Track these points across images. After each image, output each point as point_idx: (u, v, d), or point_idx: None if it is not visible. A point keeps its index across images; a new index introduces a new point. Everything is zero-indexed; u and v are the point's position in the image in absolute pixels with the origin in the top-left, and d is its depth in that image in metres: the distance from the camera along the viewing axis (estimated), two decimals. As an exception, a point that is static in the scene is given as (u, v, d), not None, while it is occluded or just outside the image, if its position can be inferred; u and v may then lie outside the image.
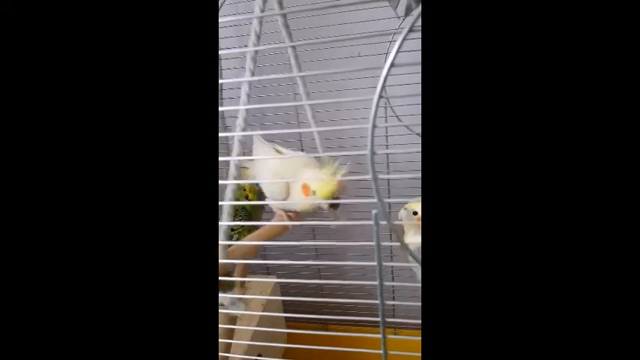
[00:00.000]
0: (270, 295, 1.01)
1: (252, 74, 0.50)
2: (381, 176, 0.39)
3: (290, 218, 0.72)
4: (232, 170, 0.56)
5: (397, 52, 0.35)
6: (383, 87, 0.36)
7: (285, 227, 0.72)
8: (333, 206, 0.64)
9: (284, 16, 0.66)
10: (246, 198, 0.84)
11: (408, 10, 0.38)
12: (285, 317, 1.08)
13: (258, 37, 0.52)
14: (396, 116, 0.98)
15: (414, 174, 0.38)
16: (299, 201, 0.66)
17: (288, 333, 0.58)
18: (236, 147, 0.56)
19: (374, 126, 0.38)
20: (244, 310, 0.66)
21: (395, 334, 1.11)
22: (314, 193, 0.63)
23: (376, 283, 0.44)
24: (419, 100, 0.34)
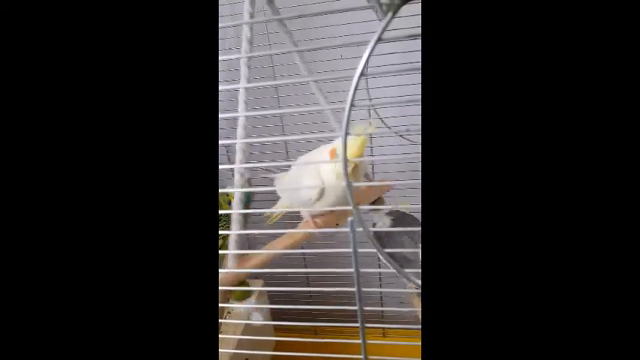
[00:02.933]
0: (257, 301, 1.00)
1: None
2: (355, 183, 0.39)
3: (317, 225, 0.68)
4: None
5: (367, 60, 0.35)
6: (354, 94, 0.36)
7: (309, 234, 0.68)
8: (355, 169, 0.58)
9: (280, 20, 0.65)
10: (229, 204, 0.83)
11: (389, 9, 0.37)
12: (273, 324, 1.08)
13: (251, 43, 0.52)
14: (380, 118, 0.98)
15: (389, 179, 0.38)
16: (327, 161, 0.62)
17: (277, 338, 0.57)
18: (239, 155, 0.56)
19: (346, 133, 0.38)
20: (262, 320, 0.64)
21: (384, 337, 1.11)
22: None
23: (354, 289, 0.44)
24: (403, 103, 0.34)
